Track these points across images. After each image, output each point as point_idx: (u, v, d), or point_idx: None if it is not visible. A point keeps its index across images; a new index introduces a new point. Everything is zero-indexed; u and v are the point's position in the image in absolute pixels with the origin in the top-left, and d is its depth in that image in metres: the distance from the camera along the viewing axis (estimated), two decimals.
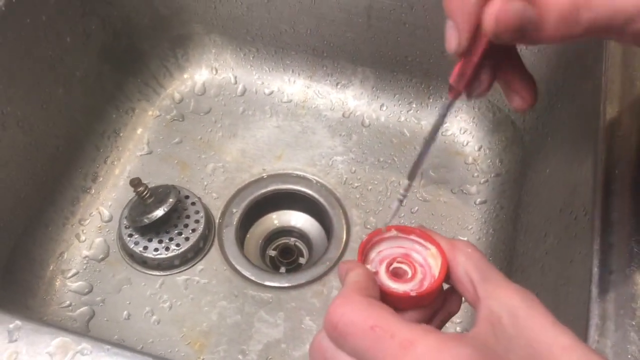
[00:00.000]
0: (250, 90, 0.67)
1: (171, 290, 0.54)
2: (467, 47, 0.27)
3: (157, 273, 0.55)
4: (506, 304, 0.25)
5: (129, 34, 0.61)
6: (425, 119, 0.64)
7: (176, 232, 0.56)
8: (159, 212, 0.53)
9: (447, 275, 0.28)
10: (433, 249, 0.28)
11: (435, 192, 0.61)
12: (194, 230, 0.56)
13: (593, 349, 0.25)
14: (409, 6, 0.59)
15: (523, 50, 0.56)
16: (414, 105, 0.65)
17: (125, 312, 0.53)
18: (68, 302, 0.53)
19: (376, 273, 0.28)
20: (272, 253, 0.60)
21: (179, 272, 0.55)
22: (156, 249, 0.55)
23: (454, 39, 0.27)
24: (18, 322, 0.32)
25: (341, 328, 0.24)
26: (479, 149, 0.63)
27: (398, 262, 0.28)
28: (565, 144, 0.49)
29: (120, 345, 0.32)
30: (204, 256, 0.56)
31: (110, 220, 0.58)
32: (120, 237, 0.56)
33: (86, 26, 0.56)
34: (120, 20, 0.59)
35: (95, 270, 0.55)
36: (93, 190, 0.59)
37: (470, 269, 0.27)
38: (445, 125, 0.64)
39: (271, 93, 0.67)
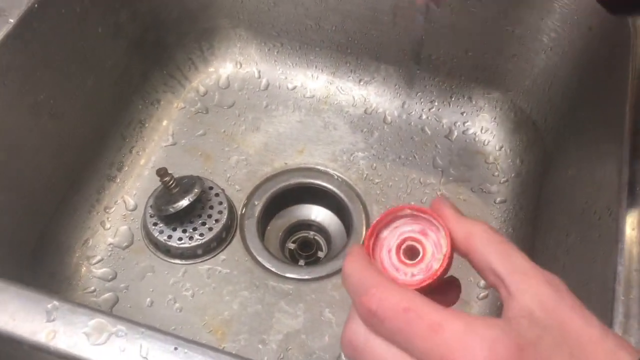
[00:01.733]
0: (273, 84, 0.68)
1: (194, 279, 0.55)
2: None
3: (180, 262, 0.56)
4: (537, 294, 0.25)
5: (156, 27, 0.62)
6: (446, 117, 0.65)
7: (200, 222, 0.57)
8: (184, 202, 0.54)
9: (450, 263, 0.27)
10: (442, 231, 0.27)
11: (455, 190, 0.61)
12: (217, 221, 0.57)
13: (620, 336, 0.25)
14: (434, 7, 0.59)
15: (548, 50, 0.57)
16: (436, 104, 0.65)
17: (148, 299, 0.54)
18: (93, 288, 0.54)
19: (389, 251, 0.28)
20: (292, 246, 0.61)
21: (202, 261, 0.56)
22: (180, 238, 0.55)
23: None
24: (56, 303, 0.33)
25: (380, 313, 0.24)
26: (500, 149, 0.63)
27: (411, 240, 0.28)
28: (588, 145, 0.49)
29: (154, 328, 0.33)
30: (226, 246, 0.57)
31: (135, 209, 0.59)
32: (144, 226, 0.57)
33: (117, 18, 0.57)
34: (149, 14, 0.60)
35: (120, 257, 0.56)
36: (118, 179, 0.60)
37: (493, 259, 0.26)
38: (466, 124, 0.65)
39: (294, 88, 0.67)
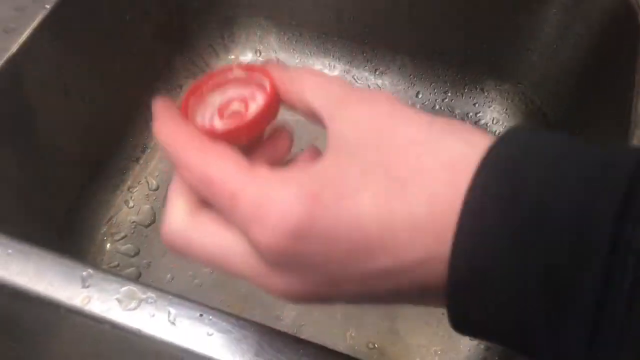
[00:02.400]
0: None
1: None
2: None
3: None
4: (348, 118, 0.23)
5: (180, 14, 0.65)
6: (459, 108, 0.67)
7: None
8: None
9: (274, 108, 0.26)
10: (268, 85, 0.26)
11: None
12: None
13: (455, 122, 0.22)
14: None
15: (559, 44, 0.58)
16: (449, 95, 0.67)
17: (169, 275, 0.56)
18: (117, 263, 0.57)
19: (212, 113, 0.26)
20: None
21: None
22: None
23: None
24: (90, 270, 0.36)
25: (194, 186, 0.24)
26: None
27: (237, 104, 0.27)
28: (596, 137, 0.51)
29: (181, 296, 0.35)
30: None
31: (157, 189, 0.61)
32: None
33: (144, 5, 0.59)
34: (174, 1, 0.63)
35: (142, 235, 0.59)
36: (142, 161, 0.62)
37: (308, 95, 0.25)
38: (479, 115, 0.66)
39: None
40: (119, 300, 0.35)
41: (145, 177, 0.62)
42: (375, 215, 0.20)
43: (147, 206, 0.60)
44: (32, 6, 0.47)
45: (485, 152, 0.20)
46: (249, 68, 0.27)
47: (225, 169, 0.23)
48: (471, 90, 0.67)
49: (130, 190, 0.61)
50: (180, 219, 0.25)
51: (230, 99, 0.27)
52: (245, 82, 0.27)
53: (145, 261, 0.57)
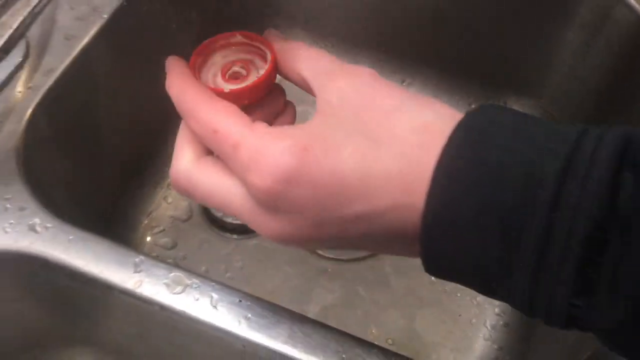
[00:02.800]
0: None
1: (243, 253, 0.62)
2: None
3: (233, 237, 0.62)
4: (335, 88, 0.26)
5: (219, 24, 0.69)
6: None
7: None
8: None
9: (274, 75, 0.30)
10: (269, 54, 0.30)
11: None
12: None
13: (431, 99, 0.26)
14: (473, 15, 0.64)
15: (579, 62, 0.61)
16: (473, 107, 0.70)
17: (203, 268, 0.61)
18: (155, 254, 0.61)
19: (215, 73, 0.30)
20: None
21: (251, 237, 0.62)
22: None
23: None
24: (142, 257, 0.40)
25: (200, 135, 0.28)
26: None
27: (238, 66, 0.30)
28: None
29: (221, 282, 0.39)
30: None
31: None
32: None
33: (188, 15, 0.63)
34: (215, 11, 0.67)
35: (180, 229, 0.63)
36: None
37: (302, 66, 0.28)
38: None
39: None
40: (167, 285, 0.39)
41: None
42: (353, 168, 0.24)
43: (185, 203, 0.64)
44: (91, 16, 0.52)
45: (457, 122, 0.24)
46: (251, 36, 0.31)
47: (229, 122, 0.26)
48: (495, 103, 0.69)
49: (169, 187, 0.65)
50: (187, 162, 0.29)
51: (232, 62, 0.31)
52: (247, 48, 0.31)
53: (181, 254, 0.61)
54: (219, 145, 0.27)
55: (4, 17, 0.30)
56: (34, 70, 0.49)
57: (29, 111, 0.47)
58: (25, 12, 0.30)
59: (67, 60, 0.50)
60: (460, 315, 0.58)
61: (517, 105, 0.69)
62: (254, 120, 0.27)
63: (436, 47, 0.69)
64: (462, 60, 0.69)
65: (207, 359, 0.43)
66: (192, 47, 0.67)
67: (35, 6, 0.30)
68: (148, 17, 0.57)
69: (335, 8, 0.69)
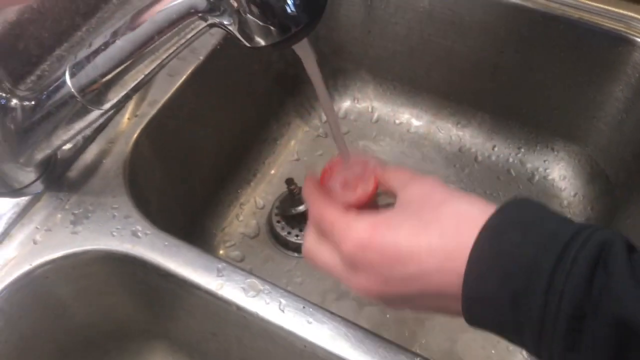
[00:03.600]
0: (383, 119, 0.81)
1: (303, 270, 0.68)
2: None
3: (295, 255, 0.69)
4: (409, 191, 0.37)
5: (295, 65, 0.77)
6: (530, 163, 0.75)
7: None
8: (303, 207, 0.68)
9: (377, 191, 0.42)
10: (372, 178, 0.43)
11: None
12: None
13: (478, 198, 0.35)
14: (528, 67, 0.70)
15: (623, 116, 0.66)
16: (522, 150, 0.76)
17: None
18: None
19: (338, 183, 0.43)
20: None
21: None
22: (297, 235, 0.69)
23: None
24: (224, 264, 0.47)
25: (319, 223, 0.39)
26: (574, 195, 0.72)
27: (352, 180, 0.43)
28: None
29: (288, 290, 0.46)
30: None
31: (262, 207, 0.73)
32: (269, 222, 0.71)
33: (269, 57, 0.72)
34: (292, 54, 0.75)
35: (248, 245, 0.70)
36: (253, 183, 0.74)
37: (394, 184, 0.40)
38: (547, 171, 0.74)
39: (400, 123, 0.80)
40: (243, 289, 0.46)
41: (254, 197, 0.74)
42: (407, 240, 0.34)
43: (254, 221, 0.72)
44: (190, 57, 0.61)
45: (487, 216, 0.32)
46: (361, 162, 0.44)
47: (331, 212, 0.38)
48: (542, 148, 0.75)
49: (241, 206, 0.73)
50: (311, 240, 0.41)
51: (348, 178, 0.44)
52: (360, 169, 0.44)
53: (248, 267, 0.69)
54: (324, 226, 0.38)
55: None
56: (141, 100, 0.58)
57: (135, 136, 0.56)
58: (158, 60, 0.38)
59: (169, 94, 0.59)
60: (498, 342, 0.63)
61: (564, 151, 0.73)
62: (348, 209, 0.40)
63: (492, 95, 0.75)
64: (515, 107, 0.74)
65: (270, 357, 0.50)
66: (271, 85, 0.76)
67: (162, 60, 0.39)
68: (236, 59, 0.66)
69: (400, 55, 0.76)
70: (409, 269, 0.34)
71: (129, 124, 0.57)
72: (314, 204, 0.40)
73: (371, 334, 0.44)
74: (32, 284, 0.48)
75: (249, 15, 0.33)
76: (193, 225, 0.68)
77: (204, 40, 0.62)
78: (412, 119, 0.80)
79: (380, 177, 0.43)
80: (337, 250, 0.37)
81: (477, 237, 0.32)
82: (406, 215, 0.36)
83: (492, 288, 0.31)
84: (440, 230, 0.34)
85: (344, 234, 0.36)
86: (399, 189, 0.39)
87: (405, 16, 0.72)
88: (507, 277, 0.30)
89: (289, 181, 0.69)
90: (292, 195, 0.69)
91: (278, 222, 0.70)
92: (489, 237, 0.32)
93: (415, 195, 0.37)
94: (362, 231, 0.35)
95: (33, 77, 0.58)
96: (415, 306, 0.37)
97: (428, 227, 0.34)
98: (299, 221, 0.70)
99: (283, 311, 0.45)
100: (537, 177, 0.75)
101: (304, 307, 0.45)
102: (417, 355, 0.42)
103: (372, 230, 0.35)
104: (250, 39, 0.35)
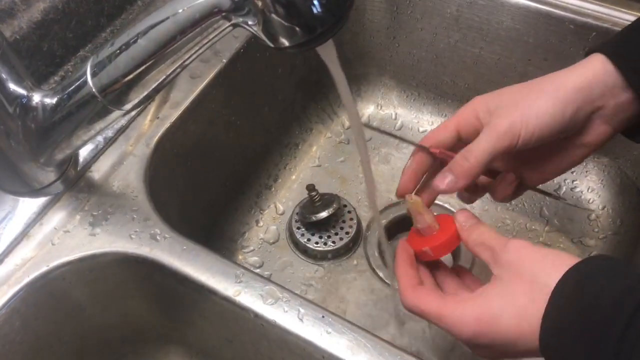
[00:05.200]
0: (406, 126, 0.79)
1: (322, 277, 0.67)
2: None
3: (313, 262, 0.68)
4: (508, 262, 0.40)
5: (319, 70, 0.76)
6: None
7: (333, 232, 0.69)
8: (324, 214, 0.67)
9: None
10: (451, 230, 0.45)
11: (556, 239, 0.69)
12: (347, 233, 0.69)
13: (563, 253, 0.38)
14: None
15: None
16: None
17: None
18: None
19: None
20: None
21: (331, 263, 0.68)
22: (316, 242, 0.68)
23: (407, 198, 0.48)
24: (242, 270, 0.47)
25: (412, 310, 0.43)
26: (603, 208, 0.70)
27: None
28: None
29: (306, 298, 0.45)
30: (351, 255, 0.69)
31: (283, 213, 0.72)
32: (289, 228, 0.70)
33: (293, 61, 0.71)
34: (316, 58, 0.74)
35: (267, 250, 0.70)
36: (273, 188, 0.74)
37: (482, 248, 0.42)
38: (575, 182, 0.72)
39: (424, 131, 0.78)
40: (262, 296, 0.45)
41: (275, 203, 0.73)
42: (511, 332, 0.38)
43: (274, 227, 0.71)
44: (214, 59, 0.60)
45: (559, 280, 0.36)
46: (444, 218, 0.47)
47: (428, 305, 0.42)
48: None
49: (261, 212, 0.72)
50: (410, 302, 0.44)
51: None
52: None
53: (267, 273, 0.68)
54: (428, 317, 0.42)
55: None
56: (163, 102, 0.58)
57: (156, 138, 0.56)
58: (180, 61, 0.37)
59: (191, 97, 0.58)
60: None
61: (592, 162, 0.71)
62: (445, 291, 0.46)
63: None
64: None
65: None
66: (294, 90, 0.75)
67: (184, 60, 0.38)
68: (259, 62, 0.65)
69: (425, 61, 0.75)
70: (518, 347, 0.38)
71: (151, 126, 0.56)
72: (403, 292, 0.44)
73: (392, 346, 0.42)
74: (49, 285, 0.48)
75: (273, 15, 0.32)
76: (212, 229, 0.68)
77: (227, 42, 0.62)
78: (436, 126, 0.78)
79: (467, 242, 0.44)
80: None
81: (550, 297, 0.36)
82: (502, 297, 0.39)
83: (565, 342, 0.34)
84: (537, 311, 0.36)
85: (454, 327, 0.40)
86: (491, 262, 0.41)
87: (431, 22, 0.71)
88: (576, 332, 0.34)
89: (310, 187, 0.68)
90: (312, 202, 0.68)
91: (298, 228, 0.69)
92: (561, 295, 0.35)
93: (517, 269, 0.39)
94: (469, 326, 0.39)
95: (57, 78, 0.58)
96: None
97: (527, 311, 0.37)
98: (319, 228, 0.69)
99: (302, 320, 0.44)
100: (564, 189, 0.73)
101: (323, 317, 0.44)
102: None
103: (477, 323, 0.39)
104: (274, 39, 0.34)
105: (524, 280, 0.38)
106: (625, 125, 0.46)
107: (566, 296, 0.36)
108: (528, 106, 0.44)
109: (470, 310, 0.39)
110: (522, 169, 0.50)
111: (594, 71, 0.44)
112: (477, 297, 0.40)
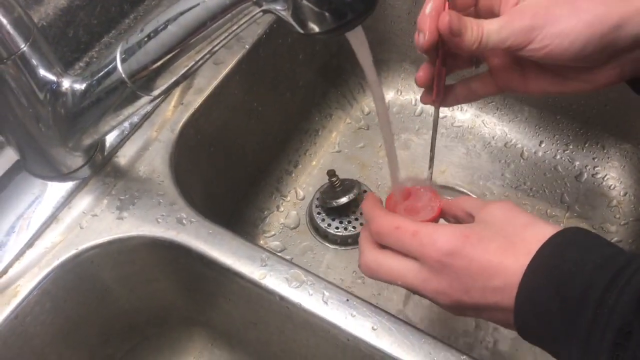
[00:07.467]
0: (427, 112, 0.79)
1: (342, 261, 0.68)
2: (429, 43, 0.40)
3: (334, 246, 0.69)
4: (489, 211, 0.39)
5: (339, 55, 0.76)
6: (579, 160, 0.73)
7: (353, 217, 0.69)
8: (344, 199, 0.67)
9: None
10: (437, 203, 0.44)
11: (576, 225, 0.69)
12: None
13: (548, 222, 0.37)
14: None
15: None
16: (571, 147, 0.73)
17: None
18: None
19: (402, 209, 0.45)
20: None
21: (351, 248, 0.69)
22: (337, 227, 0.69)
23: (420, 38, 0.41)
24: (268, 254, 0.47)
25: (382, 231, 0.40)
26: (625, 195, 0.70)
27: (418, 205, 0.45)
28: None
29: (330, 282, 0.46)
30: None
31: (303, 199, 0.73)
32: (309, 213, 0.71)
33: (313, 48, 0.71)
34: (336, 44, 0.75)
35: (288, 235, 0.70)
36: (294, 174, 0.74)
37: (467, 205, 0.42)
38: (596, 168, 0.72)
39: (444, 117, 0.78)
40: (287, 279, 0.46)
41: (295, 188, 0.73)
42: (496, 255, 0.36)
43: (294, 212, 0.72)
44: (236, 46, 0.61)
45: (544, 241, 0.35)
46: (428, 191, 0.46)
47: (407, 221, 0.40)
48: (592, 146, 0.72)
49: (282, 197, 0.73)
50: (372, 253, 0.41)
51: (412, 205, 0.45)
52: (425, 198, 0.45)
53: (288, 257, 0.69)
54: (400, 235, 0.39)
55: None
56: (187, 88, 0.58)
57: (181, 124, 0.56)
58: (209, 47, 0.38)
59: (215, 82, 0.59)
60: None
61: (615, 148, 0.71)
62: None
63: None
64: (564, 102, 0.72)
65: (311, 349, 0.49)
66: (315, 76, 0.75)
67: (213, 47, 0.38)
68: (281, 48, 0.65)
69: None
70: (493, 282, 0.35)
71: (175, 112, 0.57)
72: (378, 217, 0.41)
73: (416, 330, 0.43)
74: (77, 268, 0.49)
75: (304, 1, 0.32)
76: (234, 214, 0.68)
77: (249, 29, 0.61)
78: (456, 112, 0.78)
79: (447, 204, 0.44)
80: (419, 257, 0.38)
81: (537, 251, 0.34)
82: (492, 231, 0.37)
83: (546, 298, 0.33)
84: (527, 250, 0.35)
85: (431, 240, 0.37)
86: (476, 209, 0.40)
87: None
88: (562, 288, 0.32)
89: (331, 173, 0.68)
90: (333, 187, 0.69)
91: (318, 213, 0.70)
92: (548, 253, 0.34)
93: (496, 216, 0.38)
94: (453, 239, 0.36)
95: (82, 64, 0.58)
96: (481, 317, 0.38)
97: (515, 246, 0.35)
98: (340, 213, 0.69)
99: (326, 303, 0.45)
100: (585, 175, 0.72)
101: (347, 300, 0.45)
102: (463, 353, 0.41)
103: (464, 239, 0.36)
104: (304, 25, 0.34)
105: (515, 225, 0.37)
106: (634, 75, 0.42)
107: (548, 254, 0.35)
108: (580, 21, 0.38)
109: (456, 227, 0.38)
110: (509, 69, 0.46)
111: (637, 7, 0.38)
112: (465, 224, 0.39)
